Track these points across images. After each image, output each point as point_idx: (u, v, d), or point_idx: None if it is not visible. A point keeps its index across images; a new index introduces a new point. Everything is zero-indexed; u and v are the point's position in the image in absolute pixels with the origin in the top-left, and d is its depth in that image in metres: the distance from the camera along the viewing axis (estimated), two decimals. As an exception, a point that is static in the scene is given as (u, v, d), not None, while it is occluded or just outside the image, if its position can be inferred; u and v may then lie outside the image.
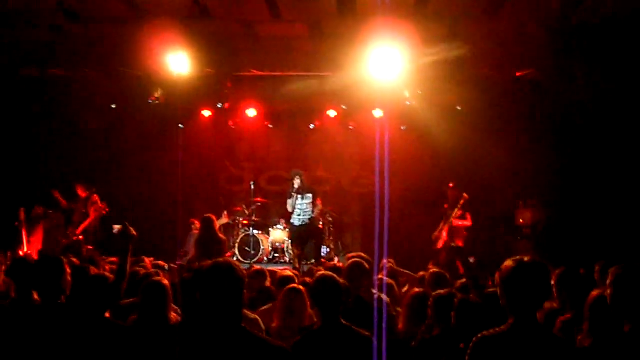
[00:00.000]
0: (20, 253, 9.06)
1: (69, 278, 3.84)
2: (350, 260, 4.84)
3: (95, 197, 10.81)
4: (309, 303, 4.39)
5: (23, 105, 11.53)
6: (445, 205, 11.05)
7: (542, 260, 2.86)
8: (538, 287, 2.81)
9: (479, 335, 2.80)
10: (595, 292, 3.52)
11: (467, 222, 10.82)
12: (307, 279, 5.30)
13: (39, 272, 3.81)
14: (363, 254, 5.48)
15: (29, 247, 9.65)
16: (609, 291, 3.04)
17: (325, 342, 3.44)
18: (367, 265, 4.80)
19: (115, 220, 11.42)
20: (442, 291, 4.25)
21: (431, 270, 5.85)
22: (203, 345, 2.48)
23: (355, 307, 4.33)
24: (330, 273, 3.76)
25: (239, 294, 2.56)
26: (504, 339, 2.74)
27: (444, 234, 10.87)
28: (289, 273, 5.15)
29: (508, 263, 2.87)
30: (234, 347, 2.49)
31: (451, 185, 11.19)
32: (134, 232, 4.15)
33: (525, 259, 2.85)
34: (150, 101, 11.98)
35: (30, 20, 10.07)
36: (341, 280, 3.71)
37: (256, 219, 12.42)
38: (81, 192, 10.87)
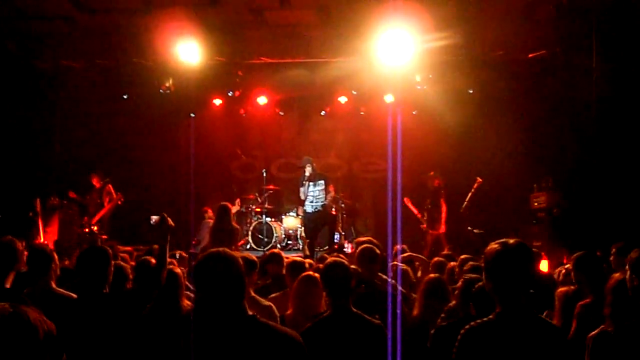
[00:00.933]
0: (37, 244, 9.17)
1: (112, 269, 3.88)
2: (362, 246, 4.81)
3: (110, 187, 10.91)
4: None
5: (38, 96, 11.61)
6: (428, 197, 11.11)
7: (525, 243, 2.70)
8: (524, 271, 2.64)
9: (466, 326, 2.66)
10: (616, 276, 3.37)
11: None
12: (321, 266, 5.28)
13: (85, 262, 3.83)
14: (372, 239, 5.44)
15: (45, 237, 9.76)
16: (627, 275, 2.92)
17: (335, 330, 3.40)
18: (378, 251, 4.77)
19: (130, 210, 11.57)
20: (474, 275, 4.12)
21: (462, 257, 5.73)
22: (210, 335, 2.43)
23: (367, 294, 4.32)
24: (341, 259, 3.73)
25: (234, 285, 2.46)
26: (492, 328, 2.61)
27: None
28: (299, 259, 5.13)
29: (493, 246, 2.68)
30: (242, 336, 2.42)
31: (432, 173, 11.19)
32: (172, 223, 4.15)
33: (511, 241, 2.66)
34: (162, 91, 12.05)
35: (43, 12, 10.12)
36: (352, 266, 3.68)
37: (269, 207, 12.46)
38: (96, 182, 10.96)
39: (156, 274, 3.93)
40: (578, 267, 4.37)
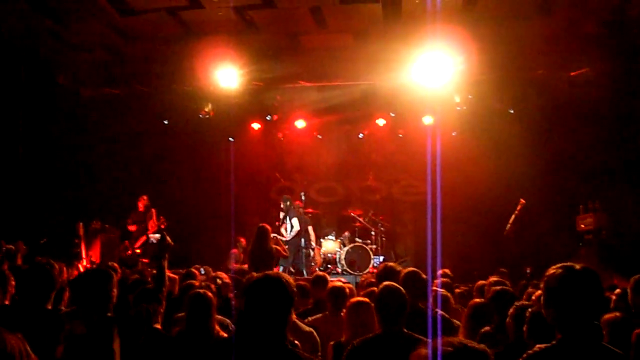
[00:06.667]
0: (80, 267, 9.29)
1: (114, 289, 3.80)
2: (406, 270, 4.66)
3: (154, 212, 11.02)
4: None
5: (82, 123, 11.90)
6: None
7: (592, 267, 2.52)
8: (591, 297, 2.44)
9: (526, 353, 2.49)
10: None
11: None
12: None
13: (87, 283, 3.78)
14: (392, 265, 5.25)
15: (87, 260, 9.89)
16: None
17: (386, 348, 3.35)
18: (423, 276, 4.64)
19: (172, 234, 11.63)
20: (526, 302, 3.96)
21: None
22: None
23: (413, 318, 4.19)
24: (395, 284, 3.67)
25: (285, 310, 2.42)
26: (555, 356, 2.43)
27: None
28: (339, 284, 5.01)
29: (555, 270, 2.48)
30: None
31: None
32: (171, 242, 4.17)
33: (577, 266, 2.47)
34: (201, 115, 12.21)
35: (89, 43, 10.41)
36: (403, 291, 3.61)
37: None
38: (141, 206, 11.05)
39: (154, 293, 3.89)
40: (637, 291, 4.14)
